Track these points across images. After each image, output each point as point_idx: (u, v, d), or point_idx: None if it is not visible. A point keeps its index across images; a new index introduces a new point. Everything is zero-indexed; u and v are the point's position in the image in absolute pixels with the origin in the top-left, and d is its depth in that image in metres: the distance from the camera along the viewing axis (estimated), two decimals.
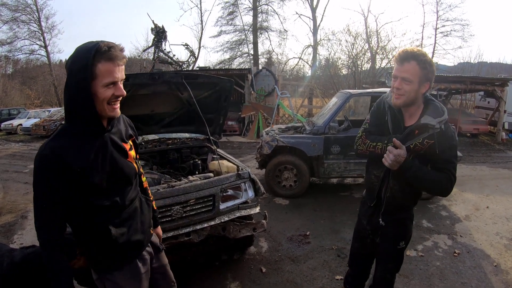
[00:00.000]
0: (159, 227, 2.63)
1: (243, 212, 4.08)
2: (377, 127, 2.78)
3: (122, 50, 1.79)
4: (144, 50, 27.69)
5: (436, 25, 33.25)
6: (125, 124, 2.18)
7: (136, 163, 2.16)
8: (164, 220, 3.52)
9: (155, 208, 2.51)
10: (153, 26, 21.09)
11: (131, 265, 2.13)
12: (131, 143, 2.17)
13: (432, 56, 33.21)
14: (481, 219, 6.58)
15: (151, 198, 2.45)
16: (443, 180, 2.50)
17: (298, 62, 33.64)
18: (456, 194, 8.11)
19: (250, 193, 4.21)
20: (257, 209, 4.25)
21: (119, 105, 1.87)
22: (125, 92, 1.83)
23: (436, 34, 33.49)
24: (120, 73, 1.79)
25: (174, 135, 5.31)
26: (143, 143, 4.98)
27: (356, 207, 6.26)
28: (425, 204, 7.26)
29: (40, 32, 35.67)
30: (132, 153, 2.13)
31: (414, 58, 2.41)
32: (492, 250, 5.30)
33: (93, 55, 1.68)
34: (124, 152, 2.04)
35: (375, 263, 3.11)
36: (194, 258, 4.36)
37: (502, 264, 4.84)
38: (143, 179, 2.42)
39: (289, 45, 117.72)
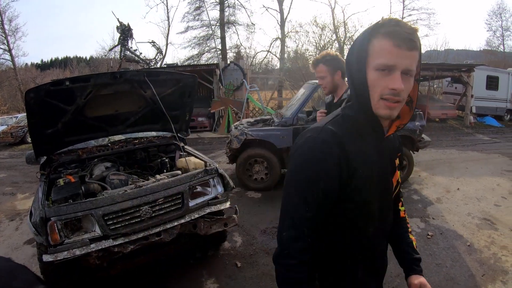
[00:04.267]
0: (420, 275, 1.67)
1: (213, 208, 4.04)
2: None
3: (411, 30, 1.28)
4: (110, 49, 27.29)
5: (403, 14, 33.47)
6: (394, 135, 1.64)
7: (396, 187, 1.65)
8: (133, 221, 3.49)
9: (414, 243, 1.81)
10: (118, 24, 20.80)
11: None
12: (397, 161, 1.64)
13: None
14: (452, 201, 6.69)
15: (409, 231, 1.82)
16: None
17: (266, 55, 33.62)
18: (426, 178, 8.24)
19: (220, 189, 4.18)
20: (228, 204, 4.22)
21: (398, 106, 1.35)
22: (402, 87, 1.29)
23: None
24: (404, 60, 1.28)
25: (140, 135, 5.26)
26: (109, 144, 4.90)
27: None
28: None
29: (4, 35, 34.64)
30: (398, 173, 1.63)
31: (320, 62, 3.44)
32: (465, 230, 5.40)
33: (372, 29, 1.33)
34: (393, 169, 1.58)
35: None
36: (167, 257, 4.30)
37: (475, 243, 4.93)
38: (401, 208, 1.81)
39: (257, 38, 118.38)
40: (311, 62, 3.63)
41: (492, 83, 18.97)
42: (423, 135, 7.77)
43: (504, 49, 40.23)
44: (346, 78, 3.36)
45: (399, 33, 1.26)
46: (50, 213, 3.27)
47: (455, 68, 16.76)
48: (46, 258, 3.17)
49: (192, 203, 3.90)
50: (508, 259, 4.55)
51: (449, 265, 4.44)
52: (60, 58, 67.93)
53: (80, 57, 63.36)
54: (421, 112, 7.80)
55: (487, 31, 41.44)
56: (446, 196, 7.03)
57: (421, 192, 7.31)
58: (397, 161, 1.61)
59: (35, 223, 3.23)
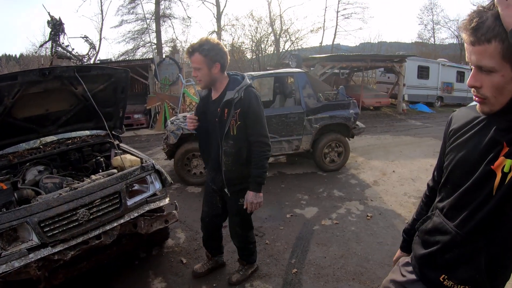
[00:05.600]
0: None
1: (153, 205, 3.95)
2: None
3: (470, 22, 1.22)
4: (41, 46, 25.90)
5: (338, 8, 34.64)
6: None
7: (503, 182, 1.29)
8: (71, 225, 3.32)
9: None
10: (49, 19, 19.87)
11: None
12: None
13: (334, 38, 34.63)
14: (389, 183, 6.96)
15: None
16: (261, 159, 3.19)
17: None
18: (363, 163, 8.49)
19: (157, 185, 4.08)
20: (167, 200, 4.13)
21: (484, 102, 1.29)
22: (470, 82, 1.28)
23: (337, 16, 34.89)
24: (471, 56, 1.25)
25: (73, 134, 5.04)
26: (41, 146, 4.69)
27: (269, 186, 6.30)
28: (334, 175, 7.55)
29: None
30: (508, 163, 1.27)
31: (196, 51, 2.98)
32: (402, 209, 5.66)
33: None
34: (491, 152, 1.33)
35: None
36: (110, 261, 4.17)
37: None
38: None
39: (193, 32, 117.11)
40: (185, 49, 3.20)
41: (423, 72, 20.18)
42: (357, 122, 8.00)
43: (434, 41, 42.73)
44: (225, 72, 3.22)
45: (464, 26, 1.24)
46: None
47: (387, 59, 17.53)
48: None
49: (130, 201, 3.78)
50: None
51: (390, 242, 4.63)
52: None
53: (9, 55, 60.16)
54: (355, 101, 8.07)
55: (419, 24, 43.66)
56: (382, 178, 7.30)
57: (359, 176, 7.53)
58: (505, 149, 1.30)
59: None
